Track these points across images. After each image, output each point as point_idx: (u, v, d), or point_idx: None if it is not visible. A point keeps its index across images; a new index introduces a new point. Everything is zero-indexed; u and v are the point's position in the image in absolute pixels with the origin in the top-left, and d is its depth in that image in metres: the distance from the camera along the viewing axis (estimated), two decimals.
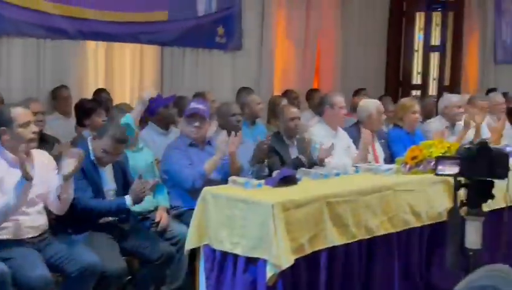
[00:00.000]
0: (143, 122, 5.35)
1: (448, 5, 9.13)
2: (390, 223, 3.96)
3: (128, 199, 3.71)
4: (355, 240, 3.80)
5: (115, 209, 3.73)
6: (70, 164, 3.32)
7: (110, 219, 3.80)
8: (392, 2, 9.06)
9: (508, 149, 5.42)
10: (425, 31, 9.34)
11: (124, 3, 6.25)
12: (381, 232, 3.92)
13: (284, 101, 6.13)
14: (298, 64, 7.90)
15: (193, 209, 3.77)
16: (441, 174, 2.21)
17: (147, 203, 4.05)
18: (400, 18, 9.23)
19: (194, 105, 4.47)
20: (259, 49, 7.44)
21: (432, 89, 9.49)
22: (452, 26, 9.11)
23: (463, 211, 2.25)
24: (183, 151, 4.26)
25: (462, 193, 2.25)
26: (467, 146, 2.23)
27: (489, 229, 4.18)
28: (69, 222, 3.64)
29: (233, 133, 4.38)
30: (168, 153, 4.29)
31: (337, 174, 4.24)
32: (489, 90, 8.75)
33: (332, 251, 3.69)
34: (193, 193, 4.04)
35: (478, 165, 2.17)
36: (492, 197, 2.26)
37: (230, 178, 3.91)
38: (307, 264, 3.56)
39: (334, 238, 3.68)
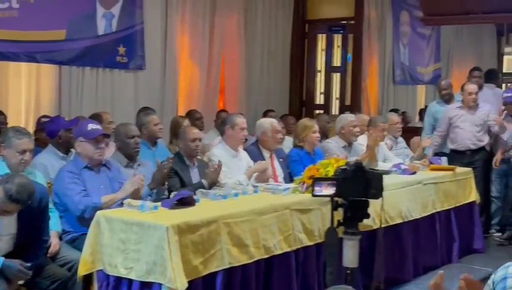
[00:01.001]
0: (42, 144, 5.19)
1: (348, 27, 9.43)
2: (286, 242, 4.01)
3: None
4: (254, 260, 3.81)
5: None
6: None
7: None
8: (295, 24, 9.25)
9: (402, 167, 5.66)
10: (327, 52, 9.60)
11: (20, 21, 6.03)
12: (279, 251, 3.96)
13: (186, 122, 6.09)
14: (202, 84, 7.89)
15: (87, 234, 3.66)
16: (318, 195, 2.24)
17: None
18: (302, 40, 9.43)
19: (95, 126, 4.34)
20: (163, 69, 7.38)
21: (335, 109, 9.73)
22: (352, 48, 9.40)
23: (340, 230, 2.29)
24: (77, 175, 4.12)
25: (339, 213, 2.30)
26: (343, 167, 2.29)
27: (367, 248, 4.33)
28: None
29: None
30: (60, 176, 4.14)
31: (236, 195, 4.25)
32: (392, 111, 9.08)
33: (229, 271, 3.68)
34: (83, 220, 3.94)
35: (353, 186, 2.23)
36: (367, 216, 2.32)
37: (126, 201, 3.83)
38: (204, 285, 3.53)
39: (232, 259, 3.68)
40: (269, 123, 5.43)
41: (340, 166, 2.47)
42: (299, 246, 4.10)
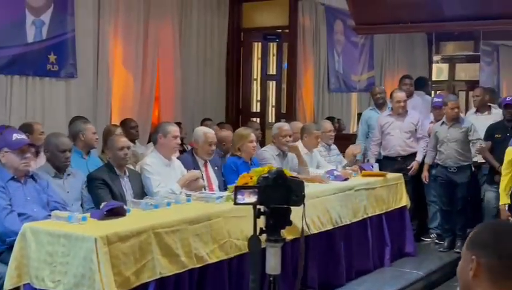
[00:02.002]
0: None
1: (283, 36, 9.53)
2: (222, 250, 4.01)
3: None
4: (185, 269, 3.79)
5: None
6: None
7: None
8: (230, 32, 9.28)
9: (335, 173, 5.74)
10: (263, 60, 9.66)
11: None
12: (213, 260, 3.96)
13: (118, 130, 6.02)
14: (136, 93, 7.80)
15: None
16: (241, 203, 2.26)
17: None
18: (238, 48, 9.47)
19: (19, 136, 4.22)
20: (95, 78, 7.24)
21: (271, 117, 9.80)
22: (287, 56, 9.49)
23: (263, 238, 2.32)
24: (2, 187, 3.99)
25: (262, 220, 2.33)
26: (264, 175, 2.32)
27: (290, 256, 4.39)
28: None
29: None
30: None
31: (168, 204, 4.22)
32: (327, 118, 9.22)
33: (161, 281, 3.66)
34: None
35: (275, 194, 2.26)
36: (290, 223, 2.35)
37: (53, 212, 3.75)
38: None
39: (163, 269, 3.66)
40: (202, 132, 5.41)
41: (262, 174, 2.51)
42: (237, 253, 4.10)
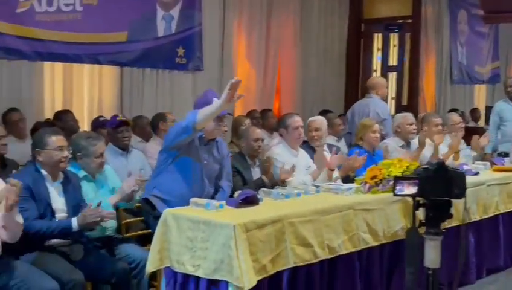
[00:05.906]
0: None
1: (405, 26, 9.32)
2: (351, 243, 3.99)
3: (74, 222, 3.61)
4: (318, 260, 3.80)
5: (59, 231, 3.59)
6: (10, 196, 3.16)
7: (57, 241, 3.68)
8: (350, 23, 9.21)
9: (464, 167, 5.54)
10: (383, 51, 9.50)
11: (83, 24, 6.21)
12: (343, 251, 3.94)
13: (248, 121, 6.16)
14: (259, 84, 7.93)
15: None
16: (400, 195, 2.23)
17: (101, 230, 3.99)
18: (358, 39, 9.37)
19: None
20: (220, 70, 7.45)
21: (391, 109, 9.62)
22: (409, 47, 9.28)
23: (422, 230, 2.28)
24: None
25: (420, 212, 2.28)
26: (424, 166, 2.27)
27: (447, 247, 4.25)
28: (16, 244, 3.44)
29: None
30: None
31: (299, 194, 4.25)
32: (450, 111, 8.92)
33: (294, 271, 3.69)
34: None
35: (436, 186, 2.20)
36: (450, 216, 2.29)
37: (192, 199, 3.88)
38: (269, 284, 3.55)
39: (297, 258, 3.68)
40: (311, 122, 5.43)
41: (418, 166, 2.46)
42: (364, 247, 4.08)
